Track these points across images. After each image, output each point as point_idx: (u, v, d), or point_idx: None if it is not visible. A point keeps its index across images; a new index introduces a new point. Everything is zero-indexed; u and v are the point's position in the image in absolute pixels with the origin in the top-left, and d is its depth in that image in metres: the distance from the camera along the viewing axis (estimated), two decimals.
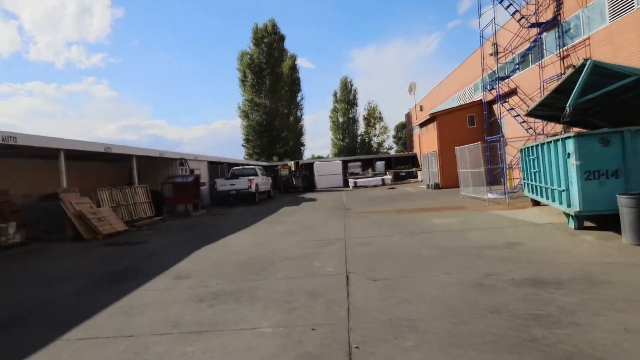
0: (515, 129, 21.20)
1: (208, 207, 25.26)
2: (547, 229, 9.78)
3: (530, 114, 14.26)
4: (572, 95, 8.34)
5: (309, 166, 44.50)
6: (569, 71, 9.08)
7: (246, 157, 57.07)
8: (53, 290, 7.44)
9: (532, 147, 12.57)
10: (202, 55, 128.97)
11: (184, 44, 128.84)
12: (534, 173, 12.56)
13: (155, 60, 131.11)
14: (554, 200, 10.54)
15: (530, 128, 19.05)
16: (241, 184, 25.53)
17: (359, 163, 46.62)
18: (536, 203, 14.16)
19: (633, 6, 13.76)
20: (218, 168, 31.75)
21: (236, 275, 7.51)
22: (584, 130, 8.24)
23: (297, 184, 38.14)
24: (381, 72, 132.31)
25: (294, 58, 62.14)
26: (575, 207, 8.69)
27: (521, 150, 14.49)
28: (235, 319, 5.16)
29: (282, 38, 59.91)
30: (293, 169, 39.82)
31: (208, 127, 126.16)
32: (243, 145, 59.19)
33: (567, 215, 9.69)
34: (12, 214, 14.95)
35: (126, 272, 8.55)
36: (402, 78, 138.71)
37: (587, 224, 9.45)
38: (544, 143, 10.79)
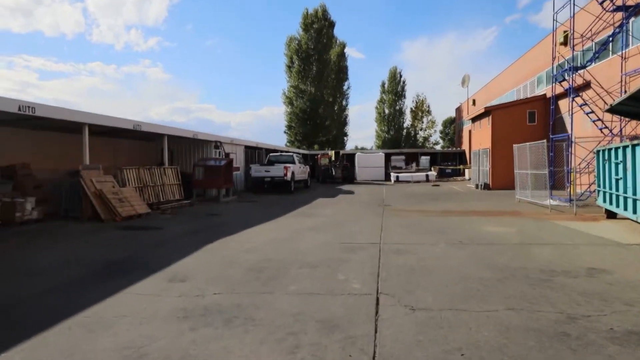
0: (584, 128, 18.63)
1: (241, 193, 24.24)
2: (637, 252, 7.74)
3: (614, 109, 11.97)
4: None
5: (350, 157, 42.83)
6: None
7: (288, 144, 56.16)
8: (30, 283, 6.33)
9: (615, 148, 10.39)
10: (253, 40, 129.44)
11: (236, 29, 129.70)
12: (617, 180, 10.39)
13: (208, 45, 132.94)
14: None
15: (606, 127, 16.48)
16: (277, 171, 24.30)
17: (402, 157, 44.45)
18: (611, 215, 11.95)
19: None
20: (256, 153, 30.72)
21: (240, 282, 6.12)
22: None
23: (337, 175, 36.59)
24: (432, 65, 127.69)
25: (342, 45, 60.38)
26: None
27: (598, 152, 12.25)
28: (215, 354, 3.74)
29: (332, 24, 58.20)
30: (333, 158, 38.32)
31: (255, 113, 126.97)
32: (285, 132, 58.36)
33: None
34: (34, 189, 14.33)
35: (122, 265, 7.37)
36: (453, 72, 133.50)
37: None
38: (637, 144, 8.67)
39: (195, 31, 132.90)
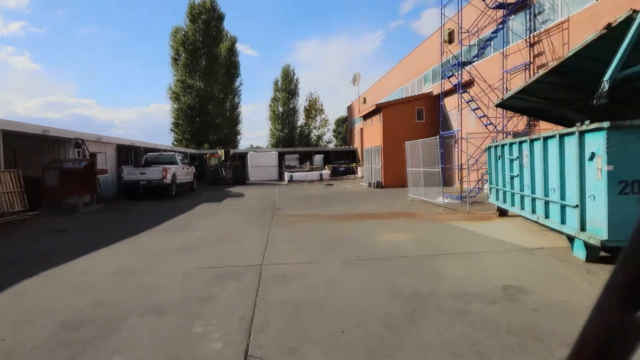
0: (469, 125, 18.84)
1: (110, 201, 20.78)
2: (546, 260, 6.96)
3: (504, 104, 11.64)
4: (613, 64, 5.54)
5: (243, 157, 40.58)
6: (593, 34, 6.27)
7: (175, 143, 51.86)
8: None
9: (510, 144, 9.86)
10: (138, 29, 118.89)
11: (118, 16, 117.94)
12: (512, 178, 9.86)
13: (85, 34, 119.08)
14: (548, 217, 7.81)
15: (491, 124, 16.65)
16: (154, 173, 21.22)
17: (296, 155, 43.35)
18: (503, 213, 11.62)
19: None
20: (132, 153, 27.04)
21: (33, 356, 3.90)
22: (622, 122, 5.36)
23: (227, 176, 34.10)
24: (325, 65, 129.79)
25: (233, 40, 57.68)
26: (599, 234, 5.90)
27: (489, 148, 11.84)
28: None
29: (221, 17, 54.91)
30: (223, 158, 35.71)
31: (142, 110, 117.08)
32: (172, 130, 53.77)
33: (570, 238, 6.96)
34: None
35: None
36: (345, 72, 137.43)
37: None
38: (537, 139, 8.02)
39: (68, 17, 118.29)
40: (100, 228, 12.24)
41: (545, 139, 7.70)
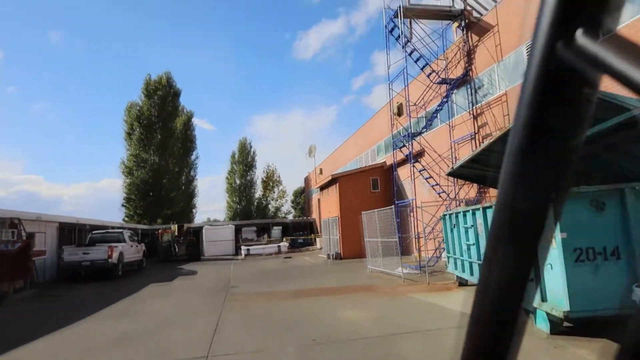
0: (423, 194, 19.15)
1: (48, 285, 19.01)
2: None
3: (455, 173, 11.87)
4: None
5: (198, 231, 39.23)
6: None
7: (126, 219, 49.75)
8: None
9: (464, 212, 9.86)
10: (90, 106, 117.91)
11: (72, 92, 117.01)
12: (468, 246, 9.76)
13: (36, 110, 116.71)
14: None
15: (444, 192, 16.96)
16: (98, 253, 19.82)
17: (253, 228, 42.47)
18: (463, 282, 11.39)
19: None
20: (75, 232, 25.42)
21: None
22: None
23: (180, 252, 32.56)
24: (282, 138, 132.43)
25: (189, 115, 58.16)
26: (561, 305, 5.69)
27: (444, 216, 11.85)
28: None
29: (177, 93, 55.67)
30: (176, 234, 34.29)
31: (94, 186, 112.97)
32: (123, 206, 51.72)
33: (532, 310, 6.71)
34: None
35: None
36: (302, 144, 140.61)
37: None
38: (489, 207, 8.02)
39: (19, 94, 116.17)
40: (27, 319, 10.93)
41: (489, 207, 7.69)
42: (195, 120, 58.42)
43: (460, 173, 11.99)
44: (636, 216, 5.49)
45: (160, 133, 52.61)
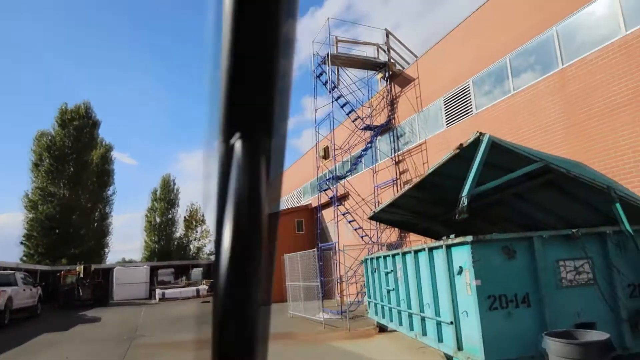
0: (346, 237, 19.15)
1: None
2: None
3: (376, 217, 11.92)
4: (468, 181, 5.77)
5: (108, 272, 36.06)
6: (448, 154, 6.67)
7: (24, 258, 44.70)
8: None
9: (384, 256, 9.81)
10: None
11: None
12: (388, 291, 9.64)
13: None
14: (425, 334, 7.49)
15: (366, 235, 17.05)
16: None
17: (171, 270, 39.93)
18: (382, 328, 11.20)
19: (472, 111, 13.31)
20: None
21: None
22: (483, 236, 5.44)
23: (85, 296, 29.46)
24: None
25: (108, 147, 54.86)
26: (476, 353, 5.60)
27: (365, 260, 11.76)
28: None
29: (96, 124, 52.52)
30: (82, 275, 31.19)
31: None
32: (22, 243, 46.50)
33: (449, 358, 6.61)
34: None
35: None
36: None
37: None
38: (408, 252, 8.00)
39: None
40: None
41: (416, 252, 7.70)
42: (115, 154, 55.34)
43: (381, 217, 12.07)
44: (544, 263, 5.65)
45: (73, 165, 48.87)
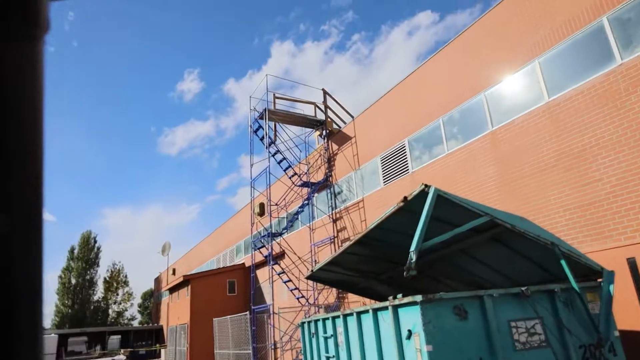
0: (282, 299, 18.13)
1: None
2: None
3: (314, 276, 11.26)
4: (416, 236, 5.41)
5: None
6: (392, 207, 6.36)
7: None
8: None
9: (324, 319, 9.08)
10: None
11: None
12: (328, 359, 8.83)
13: None
14: None
15: (303, 297, 16.17)
16: None
17: (84, 338, 35.86)
18: None
19: (408, 170, 13.45)
20: None
21: None
22: (432, 295, 5.05)
23: None
24: (135, 235, 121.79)
25: None
26: None
27: (302, 324, 10.90)
28: None
29: None
30: None
31: None
32: None
33: None
34: None
35: None
36: (157, 243, 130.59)
37: None
38: (350, 314, 7.39)
39: None
40: None
41: (359, 314, 7.11)
42: None
43: (320, 276, 11.43)
44: (496, 324, 5.30)
45: None
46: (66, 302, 56.53)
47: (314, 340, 9.89)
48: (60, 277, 58.24)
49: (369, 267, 10.02)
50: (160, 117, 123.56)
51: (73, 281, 57.78)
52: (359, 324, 7.13)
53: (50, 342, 31.34)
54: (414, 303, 5.26)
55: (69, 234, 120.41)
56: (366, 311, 6.68)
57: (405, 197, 6.00)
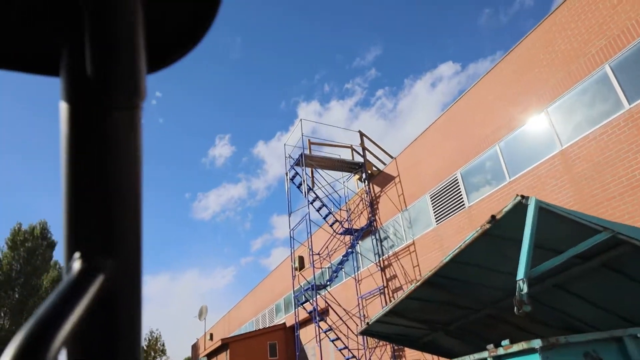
0: (329, 359, 16.33)
1: None
2: None
3: (370, 330, 9.73)
4: (522, 259, 4.10)
5: None
6: (472, 233, 5.10)
7: None
8: None
9: None
10: None
11: None
12: None
13: None
14: None
15: (354, 357, 14.37)
16: None
17: None
18: None
19: (464, 205, 12.07)
20: None
21: None
22: (555, 339, 3.66)
23: None
24: (172, 301, 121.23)
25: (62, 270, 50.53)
26: None
27: None
28: None
29: (52, 245, 48.68)
30: None
31: None
32: None
33: None
34: None
35: None
36: (194, 308, 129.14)
37: None
38: None
39: None
40: None
41: None
42: None
43: (376, 330, 9.89)
44: None
45: (19, 291, 44.13)
46: None
47: None
48: None
49: (436, 315, 8.50)
50: (194, 183, 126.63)
51: None
52: None
53: None
54: (530, 351, 3.87)
55: None
56: None
57: (493, 216, 4.73)
